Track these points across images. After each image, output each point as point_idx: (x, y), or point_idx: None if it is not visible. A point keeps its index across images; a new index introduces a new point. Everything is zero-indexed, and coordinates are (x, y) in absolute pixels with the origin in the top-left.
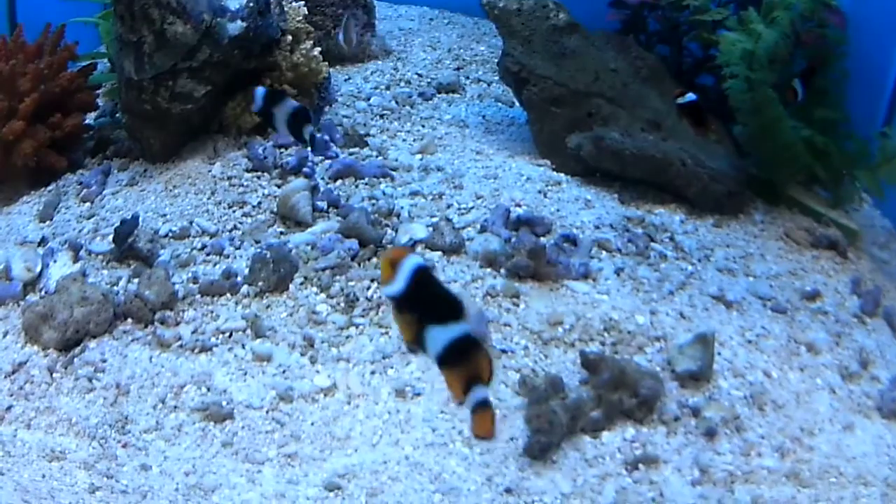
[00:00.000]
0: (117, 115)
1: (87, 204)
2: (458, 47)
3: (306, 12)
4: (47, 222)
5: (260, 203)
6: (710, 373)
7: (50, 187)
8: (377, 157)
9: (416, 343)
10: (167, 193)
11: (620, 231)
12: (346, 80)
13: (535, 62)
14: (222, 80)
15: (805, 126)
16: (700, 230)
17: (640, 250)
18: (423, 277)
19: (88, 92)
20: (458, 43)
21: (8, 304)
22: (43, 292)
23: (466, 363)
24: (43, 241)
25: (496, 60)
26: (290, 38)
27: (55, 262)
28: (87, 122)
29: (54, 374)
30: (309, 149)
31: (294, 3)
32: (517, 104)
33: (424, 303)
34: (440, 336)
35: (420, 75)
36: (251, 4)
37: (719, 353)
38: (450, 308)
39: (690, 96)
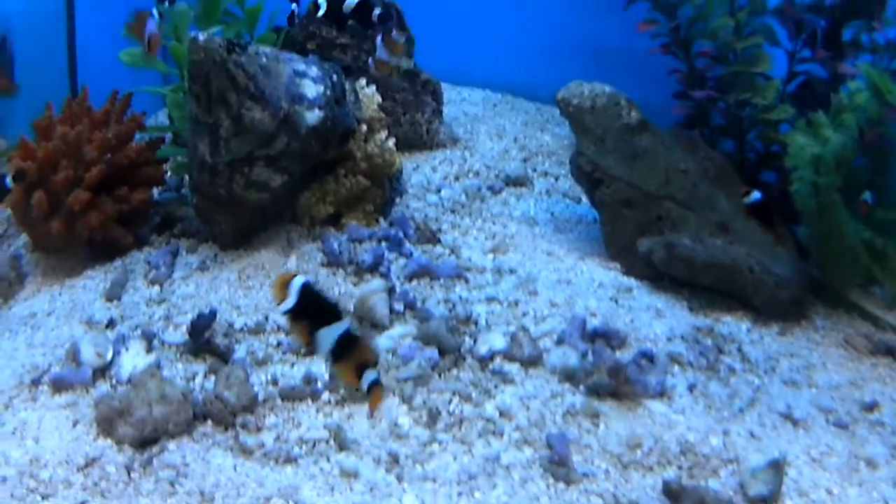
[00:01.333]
0: (183, 190)
1: (157, 287)
2: (524, 136)
3: (380, 100)
4: (114, 302)
5: (336, 301)
6: (779, 495)
7: (115, 264)
8: (450, 255)
9: (310, 346)
10: (241, 284)
11: (691, 342)
12: (414, 169)
13: (609, 162)
14: (299, 171)
15: (865, 227)
16: (766, 339)
17: (710, 364)
18: (309, 292)
19: (156, 166)
20: (523, 131)
21: (76, 388)
22: (114, 381)
23: (353, 354)
24: (111, 323)
25: (561, 152)
26: (364, 127)
27: (127, 350)
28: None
29: (132, 474)
30: None
31: (367, 90)
32: (584, 201)
33: (312, 311)
34: (327, 336)
35: (488, 167)
36: (328, 93)
37: (786, 473)
38: (331, 313)
39: (756, 195)
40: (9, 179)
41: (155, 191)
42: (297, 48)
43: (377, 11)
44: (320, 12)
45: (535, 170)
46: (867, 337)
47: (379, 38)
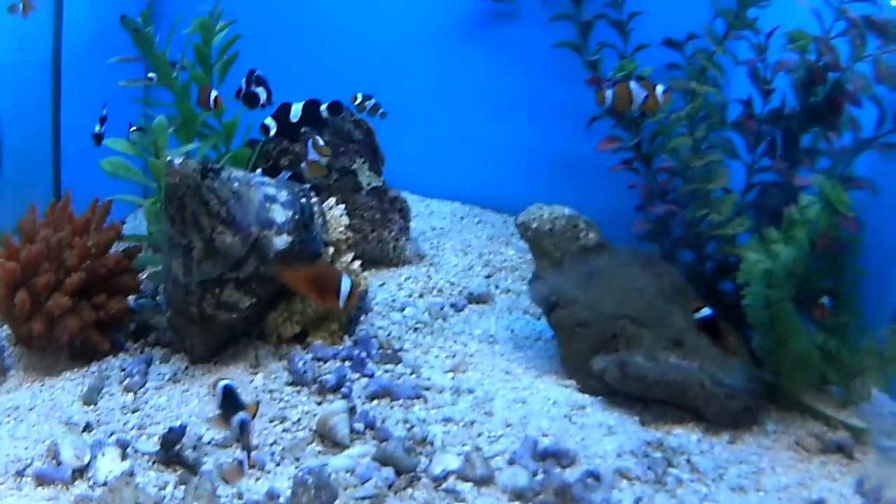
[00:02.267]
0: (158, 297)
1: (131, 395)
2: (489, 251)
3: (348, 222)
4: (91, 406)
5: (299, 419)
6: None
7: (92, 368)
8: (411, 374)
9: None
10: (210, 399)
11: (640, 457)
12: (380, 286)
13: (565, 285)
14: (267, 293)
15: (820, 331)
16: (716, 448)
17: (658, 477)
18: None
19: (133, 275)
20: (488, 246)
21: (57, 485)
22: (91, 482)
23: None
24: (87, 427)
25: (524, 266)
26: (331, 249)
27: (103, 455)
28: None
29: None
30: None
31: (335, 211)
32: (544, 318)
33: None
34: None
35: (452, 283)
36: (296, 217)
37: None
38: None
39: (706, 311)
40: None
41: (131, 297)
42: (271, 163)
43: (324, 106)
44: (272, 133)
45: (497, 287)
46: (818, 437)
47: (309, 143)
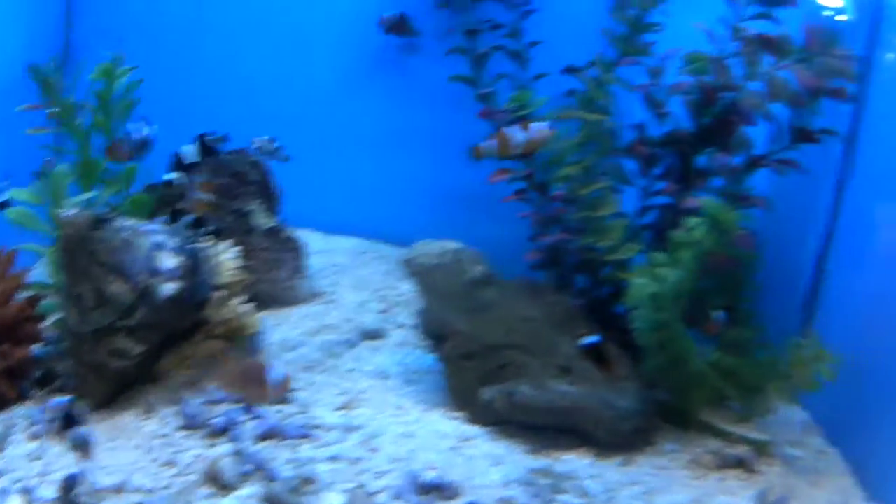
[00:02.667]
0: (63, 343)
1: (36, 442)
2: (385, 286)
3: (239, 264)
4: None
5: (190, 463)
6: None
7: (1, 416)
8: (301, 414)
9: None
10: (104, 445)
11: (526, 485)
12: (275, 326)
13: (452, 318)
14: (158, 339)
15: (717, 347)
16: (607, 472)
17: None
18: None
19: (35, 323)
20: (384, 281)
21: None
22: None
23: None
24: None
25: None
26: (221, 293)
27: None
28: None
29: None
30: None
31: (227, 255)
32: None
33: None
34: None
35: (348, 320)
36: (185, 262)
37: None
38: None
39: (591, 338)
40: None
41: (37, 344)
42: (171, 206)
43: (212, 136)
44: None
45: (392, 322)
46: (716, 453)
47: (193, 181)
